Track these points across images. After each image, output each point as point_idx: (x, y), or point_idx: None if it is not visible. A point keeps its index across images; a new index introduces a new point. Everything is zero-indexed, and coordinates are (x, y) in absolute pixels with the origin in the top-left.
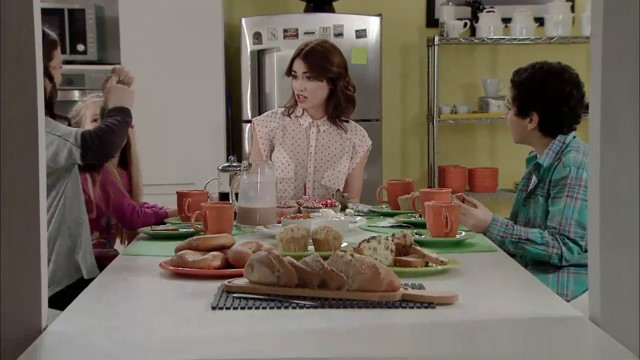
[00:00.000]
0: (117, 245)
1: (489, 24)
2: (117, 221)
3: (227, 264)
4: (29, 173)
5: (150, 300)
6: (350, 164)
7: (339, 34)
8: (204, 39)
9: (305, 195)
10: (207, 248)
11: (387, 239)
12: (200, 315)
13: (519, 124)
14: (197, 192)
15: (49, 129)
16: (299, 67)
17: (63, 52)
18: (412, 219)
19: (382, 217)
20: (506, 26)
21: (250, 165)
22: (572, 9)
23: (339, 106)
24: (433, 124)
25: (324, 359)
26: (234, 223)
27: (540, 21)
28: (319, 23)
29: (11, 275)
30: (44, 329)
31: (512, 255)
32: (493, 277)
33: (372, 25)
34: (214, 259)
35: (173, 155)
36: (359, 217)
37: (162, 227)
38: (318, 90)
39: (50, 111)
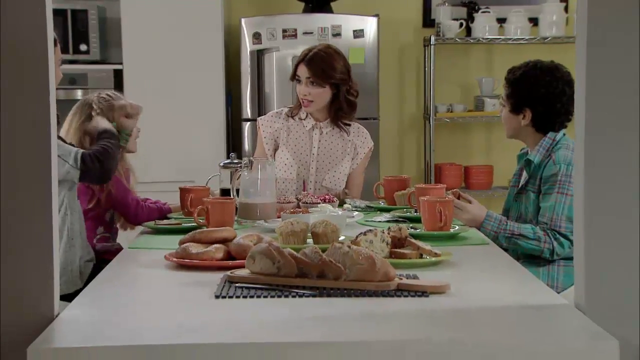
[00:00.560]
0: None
1: (484, 24)
2: (122, 216)
3: (229, 256)
4: (40, 164)
5: (156, 290)
6: (351, 164)
7: (337, 34)
8: (204, 39)
9: (304, 191)
10: (210, 241)
11: (383, 232)
12: (205, 304)
13: (513, 120)
14: (200, 188)
15: None
16: (303, 72)
17: (66, 52)
18: (408, 214)
19: (378, 212)
20: (501, 26)
21: (251, 162)
22: (566, 9)
23: (340, 110)
24: (429, 123)
25: (322, 342)
26: (235, 218)
27: (534, 21)
28: (318, 23)
29: (25, 267)
30: (56, 317)
31: (505, 250)
32: (485, 269)
33: (370, 25)
34: (217, 251)
35: (174, 153)
36: (356, 212)
37: (165, 221)
38: (321, 94)
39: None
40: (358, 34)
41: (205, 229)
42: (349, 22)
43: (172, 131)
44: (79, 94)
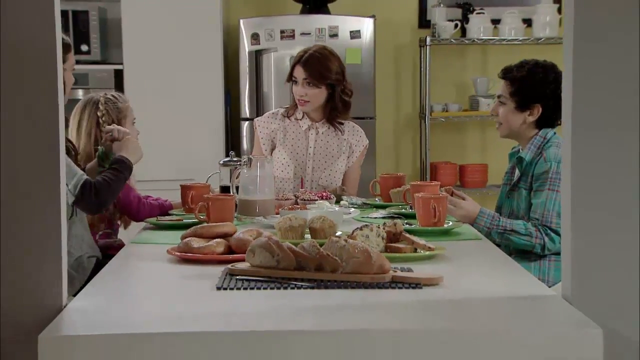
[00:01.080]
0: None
1: (479, 25)
2: (124, 213)
3: (229, 250)
4: (49, 159)
5: (159, 282)
6: (347, 162)
7: (334, 35)
8: (203, 40)
9: (302, 188)
10: (211, 235)
11: (379, 227)
12: (207, 295)
13: (517, 117)
14: (200, 185)
15: None
16: (299, 73)
17: None
18: (403, 210)
19: (374, 209)
20: (495, 27)
21: (250, 160)
22: (559, 10)
23: (335, 109)
24: (425, 122)
25: (320, 331)
26: (235, 214)
27: (528, 22)
28: (315, 24)
29: (35, 258)
30: (64, 307)
31: (498, 245)
32: (477, 263)
33: (366, 26)
34: (218, 245)
35: (174, 152)
36: (353, 209)
37: (167, 217)
38: (318, 95)
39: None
40: (355, 34)
41: (206, 224)
42: (345, 23)
43: (172, 130)
44: (80, 93)
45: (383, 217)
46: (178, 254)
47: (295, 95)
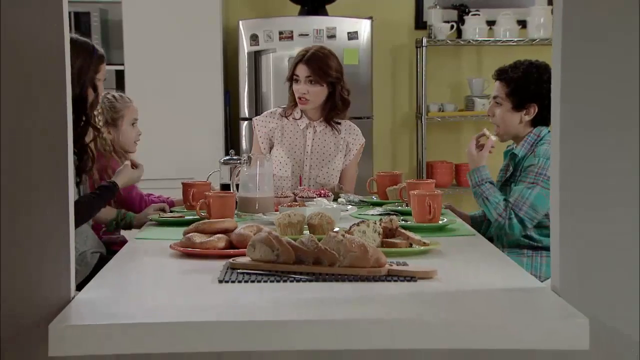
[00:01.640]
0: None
1: (474, 27)
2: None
3: (230, 245)
4: (57, 156)
5: (163, 276)
6: (344, 160)
7: (332, 36)
8: (203, 41)
9: (300, 186)
10: (212, 231)
11: (375, 223)
12: (209, 287)
13: (514, 117)
14: (201, 183)
15: None
16: (302, 71)
17: None
18: (399, 207)
19: (371, 206)
20: (490, 28)
21: (250, 158)
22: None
23: (335, 108)
24: (421, 122)
25: (317, 320)
26: (235, 211)
27: (522, 24)
28: (313, 25)
29: (44, 251)
30: (72, 298)
31: (490, 240)
32: (470, 257)
33: (364, 27)
34: (219, 240)
35: (174, 151)
36: (350, 206)
37: (169, 214)
38: (318, 93)
39: (87, 118)
40: (352, 35)
41: (207, 220)
42: (343, 24)
43: (172, 130)
44: None
45: (380, 214)
46: (181, 248)
47: (297, 94)
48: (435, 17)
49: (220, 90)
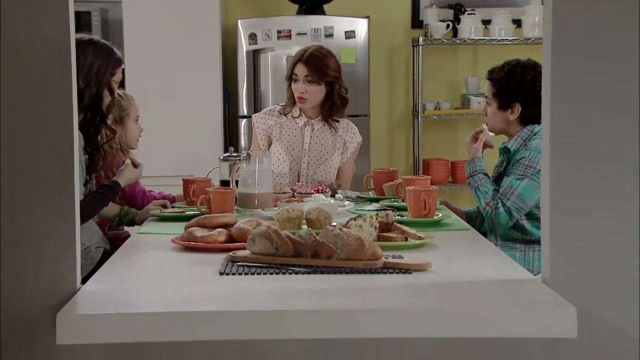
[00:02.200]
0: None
1: (470, 26)
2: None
3: (231, 239)
4: (62, 150)
5: (166, 268)
6: (341, 158)
7: (329, 35)
8: (202, 40)
9: (298, 182)
10: (213, 225)
11: (372, 218)
12: (210, 279)
13: (501, 115)
14: (202, 179)
15: None
16: (301, 70)
17: None
18: (395, 203)
19: (368, 202)
20: (486, 27)
21: (249, 155)
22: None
23: (333, 106)
24: (418, 120)
25: (315, 310)
26: (235, 207)
27: (518, 23)
28: (311, 25)
29: (51, 244)
30: (78, 289)
31: (484, 234)
32: (464, 251)
33: (361, 26)
34: (220, 234)
35: (174, 149)
36: (347, 202)
37: (170, 210)
38: (317, 92)
39: (102, 118)
40: (349, 34)
41: (208, 215)
42: (340, 24)
43: (172, 127)
44: None
45: (376, 210)
46: (182, 242)
47: (295, 93)
48: (432, 16)
49: (219, 88)
